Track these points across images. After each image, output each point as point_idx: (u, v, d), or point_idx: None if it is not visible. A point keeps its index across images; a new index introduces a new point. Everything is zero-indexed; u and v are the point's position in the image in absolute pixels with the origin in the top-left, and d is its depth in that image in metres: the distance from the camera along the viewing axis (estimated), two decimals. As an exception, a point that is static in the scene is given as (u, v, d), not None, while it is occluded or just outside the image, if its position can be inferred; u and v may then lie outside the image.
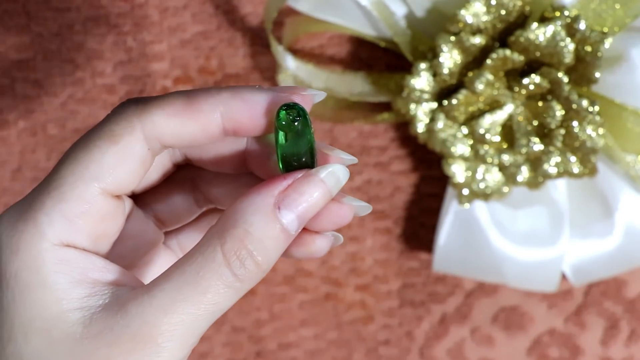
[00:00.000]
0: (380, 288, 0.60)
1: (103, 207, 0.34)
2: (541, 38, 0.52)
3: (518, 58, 0.52)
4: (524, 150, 0.54)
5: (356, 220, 0.60)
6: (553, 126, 0.53)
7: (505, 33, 0.53)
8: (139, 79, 0.60)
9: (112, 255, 0.36)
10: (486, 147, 0.54)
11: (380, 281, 0.60)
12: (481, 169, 0.55)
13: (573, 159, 0.54)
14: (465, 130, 0.54)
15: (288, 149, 0.33)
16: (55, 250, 0.33)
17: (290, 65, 0.56)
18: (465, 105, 0.54)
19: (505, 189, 0.55)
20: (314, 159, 0.34)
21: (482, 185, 0.55)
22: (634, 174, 0.55)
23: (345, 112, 0.58)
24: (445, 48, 0.53)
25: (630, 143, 0.54)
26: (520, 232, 0.57)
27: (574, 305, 0.60)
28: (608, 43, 0.52)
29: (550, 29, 0.52)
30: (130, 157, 0.33)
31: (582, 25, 0.52)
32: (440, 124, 0.54)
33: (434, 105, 0.54)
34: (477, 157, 0.55)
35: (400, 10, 0.54)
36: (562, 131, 0.53)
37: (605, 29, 0.53)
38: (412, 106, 0.54)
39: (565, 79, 0.53)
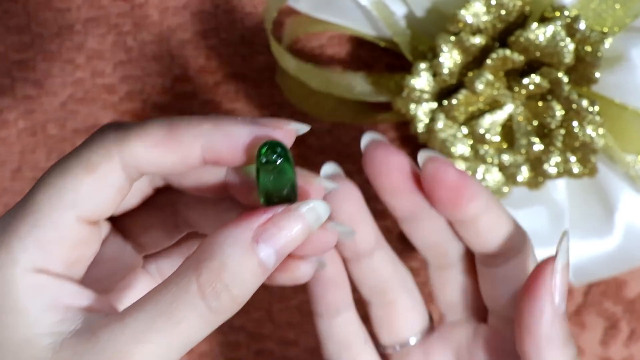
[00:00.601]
0: (380, 288, 0.60)
1: (78, 234, 0.33)
2: (541, 38, 0.52)
3: (518, 58, 0.52)
4: (524, 150, 0.54)
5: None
6: (553, 126, 0.53)
7: (505, 33, 0.53)
8: (139, 79, 0.60)
9: (88, 279, 0.35)
10: (486, 147, 0.54)
11: (380, 281, 0.60)
12: (481, 169, 0.55)
13: (573, 159, 0.54)
14: (465, 130, 0.54)
15: (269, 185, 0.33)
16: (28, 275, 0.32)
17: (290, 65, 0.56)
18: (465, 105, 0.54)
19: (505, 189, 0.55)
20: (295, 194, 0.33)
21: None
22: (634, 174, 0.55)
23: (345, 112, 0.58)
24: (445, 48, 0.53)
25: (630, 143, 0.54)
26: (520, 232, 0.57)
27: (574, 305, 0.60)
28: (608, 43, 0.52)
29: (550, 29, 0.52)
30: (107, 186, 0.33)
31: (582, 25, 0.52)
32: (440, 124, 0.54)
33: (434, 105, 0.54)
34: (477, 157, 0.55)
35: (400, 10, 0.54)
36: (562, 131, 0.53)
37: (605, 29, 0.53)
38: (412, 106, 0.54)
39: (565, 79, 0.52)
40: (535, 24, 0.52)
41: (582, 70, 0.52)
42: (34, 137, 0.60)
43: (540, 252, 0.57)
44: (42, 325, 0.32)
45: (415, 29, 0.54)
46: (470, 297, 0.43)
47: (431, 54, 0.54)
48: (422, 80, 0.54)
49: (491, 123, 0.54)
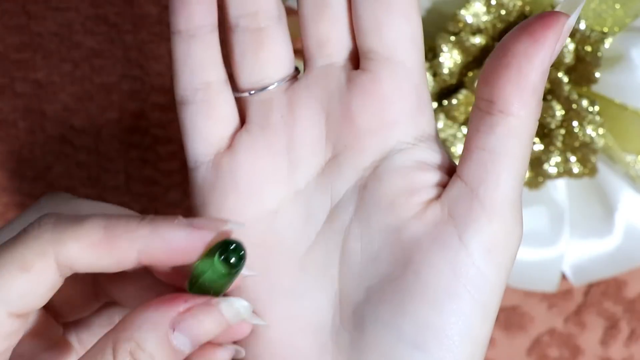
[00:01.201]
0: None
1: (8, 327, 0.33)
2: (541, 38, 0.52)
3: (518, 58, 0.52)
4: (524, 150, 0.54)
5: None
6: (553, 126, 0.53)
7: (505, 33, 0.53)
8: (138, 79, 0.60)
9: (12, 355, 0.35)
10: (486, 147, 0.54)
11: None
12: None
13: (573, 159, 0.54)
14: (465, 130, 0.54)
15: (205, 278, 0.33)
16: None
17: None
18: (465, 105, 0.54)
19: (505, 189, 0.55)
20: (224, 290, 0.34)
21: (482, 185, 0.55)
22: (634, 174, 0.55)
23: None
24: (445, 48, 0.53)
25: (630, 143, 0.54)
26: (520, 232, 0.56)
27: (574, 305, 0.60)
28: (608, 43, 0.52)
29: (550, 29, 0.52)
30: (40, 284, 0.33)
31: (582, 25, 0.52)
32: (440, 124, 0.54)
33: (434, 105, 0.54)
34: (477, 157, 0.55)
35: (400, 10, 0.54)
36: (562, 131, 0.53)
37: (605, 29, 0.53)
38: (412, 106, 0.54)
39: (565, 79, 0.52)
40: (535, 24, 0.52)
41: (582, 70, 0.52)
42: (34, 137, 0.60)
43: (541, 252, 0.57)
44: None
45: (415, 28, 0.54)
46: (345, 35, 0.37)
47: (431, 54, 0.54)
48: (422, 80, 0.54)
49: (491, 123, 0.54)
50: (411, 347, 0.33)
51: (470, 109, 0.54)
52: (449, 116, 0.54)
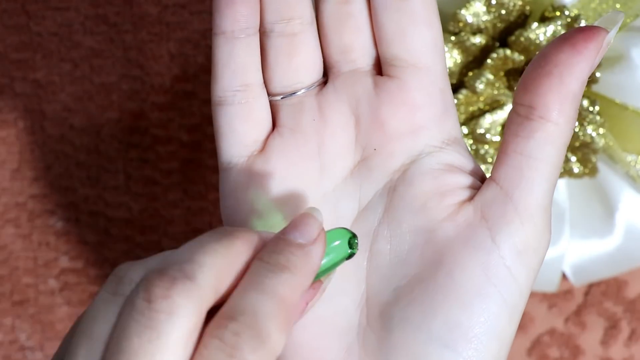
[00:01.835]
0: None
1: None
2: (541, 38, 0.52)
3: (518, 58, 0.52)
4: (524, 150, 0.54)
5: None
6: (553, 126, 0.53)
7: (505, 33, 0.53)
8: (138, 78, 0.60)
9: None
10: (486, 147, 0.54)
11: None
12: (481, 169, 0.55)
13: (573, 158, 0.54)
14: (465, 130, 0.54)
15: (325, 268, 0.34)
16: None
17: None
18: (466, 105, 0.54)
19: (506, 189, 0.55)
20: (331, 272, 0.34)
21: (482, 185, 0.55)
22: (634, 174, 0.55)
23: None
24: (445, 48, 0.53)
25: (630, 143, 0.54)
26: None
27: (574, 305, 0.60)
28: (608, 43, 0.52)
29: (550, 29, 0.52)
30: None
31: (582, 25, 0.52)
32: (440, 123, 0.54)
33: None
34: (477, 157, 0.55)
35: (400, 10, 0.54)
36: (563, 131, 0.53)
37: (606, 29, 0.53)
38: (412, 106, 0.54)
39: (566, 79, 0.52)
40: (535, 24, 0.52)
41: (583, 70, 0.52)
42: (33, 137, 0.60)
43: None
44: None
45: (415, 28, 0.54)
46: (368, 42, 0.37)
47: (431, 54, 0.54)
48: (422, 80, 0.54)
49: (491, 123, 0.54)
50: (441, 347, 0.34)
51: (470, 108, 0.54)
52: (449, 116, 0.54)
